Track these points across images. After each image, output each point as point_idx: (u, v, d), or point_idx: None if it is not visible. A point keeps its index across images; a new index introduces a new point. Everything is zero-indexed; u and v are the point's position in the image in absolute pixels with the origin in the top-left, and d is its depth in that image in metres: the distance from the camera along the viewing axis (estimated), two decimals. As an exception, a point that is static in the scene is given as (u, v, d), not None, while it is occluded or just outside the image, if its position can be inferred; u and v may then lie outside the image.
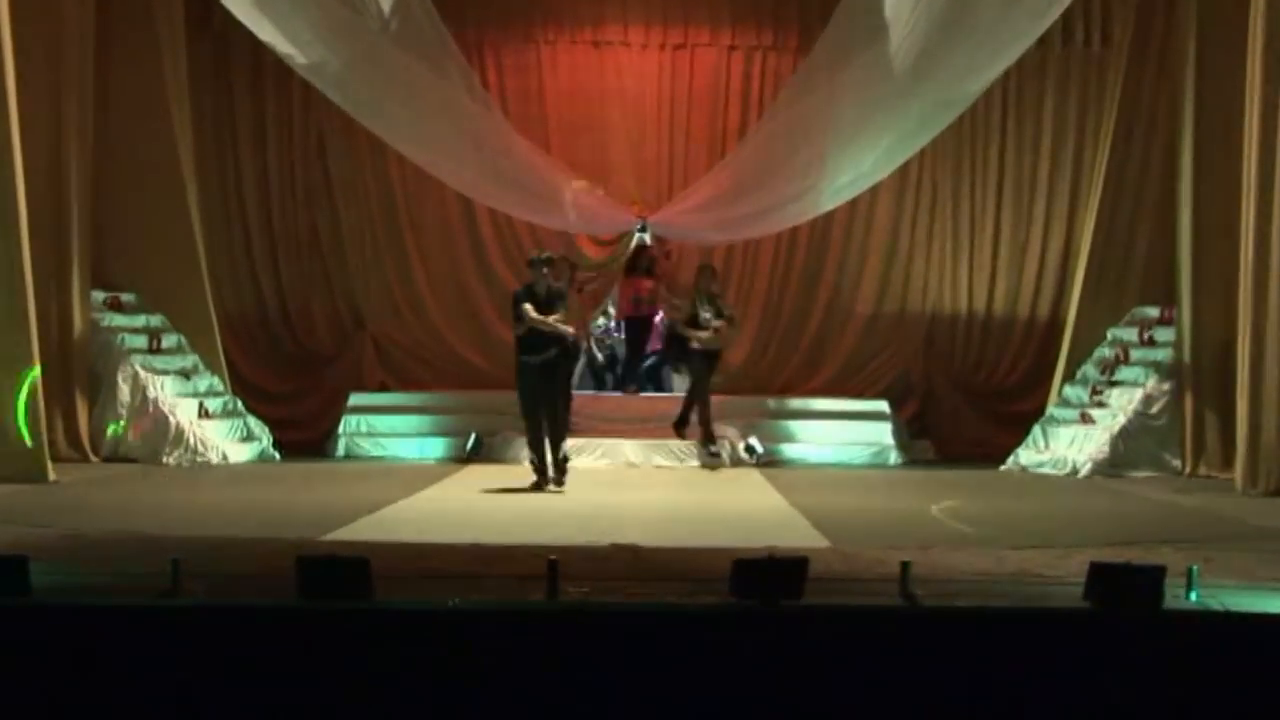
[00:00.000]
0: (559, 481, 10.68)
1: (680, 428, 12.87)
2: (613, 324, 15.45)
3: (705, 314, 12.73)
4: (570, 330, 10.83)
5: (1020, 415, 13.76)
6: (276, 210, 14.71)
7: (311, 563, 5.59)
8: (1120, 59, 13.55)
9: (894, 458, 13.49)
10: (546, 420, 10.66)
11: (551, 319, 10.56)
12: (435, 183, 13.87)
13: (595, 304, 14.76)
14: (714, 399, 14.02)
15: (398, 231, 14.81)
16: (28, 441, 10.72)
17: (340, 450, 13.45)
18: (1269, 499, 10.65)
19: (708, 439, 12.83)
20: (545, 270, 10.76)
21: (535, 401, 10.67)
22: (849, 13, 12.06)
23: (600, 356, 15.26)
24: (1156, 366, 13.00)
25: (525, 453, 11.32)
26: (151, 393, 12.59)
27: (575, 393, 14.35)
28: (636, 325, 14.53)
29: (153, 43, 12.98)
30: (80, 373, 12.49)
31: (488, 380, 14.44)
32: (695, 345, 12.68)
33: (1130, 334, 13.52)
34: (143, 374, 12.68)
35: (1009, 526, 9.02)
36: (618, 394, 14.46)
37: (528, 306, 10.53)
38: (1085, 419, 13.09)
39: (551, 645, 5.32)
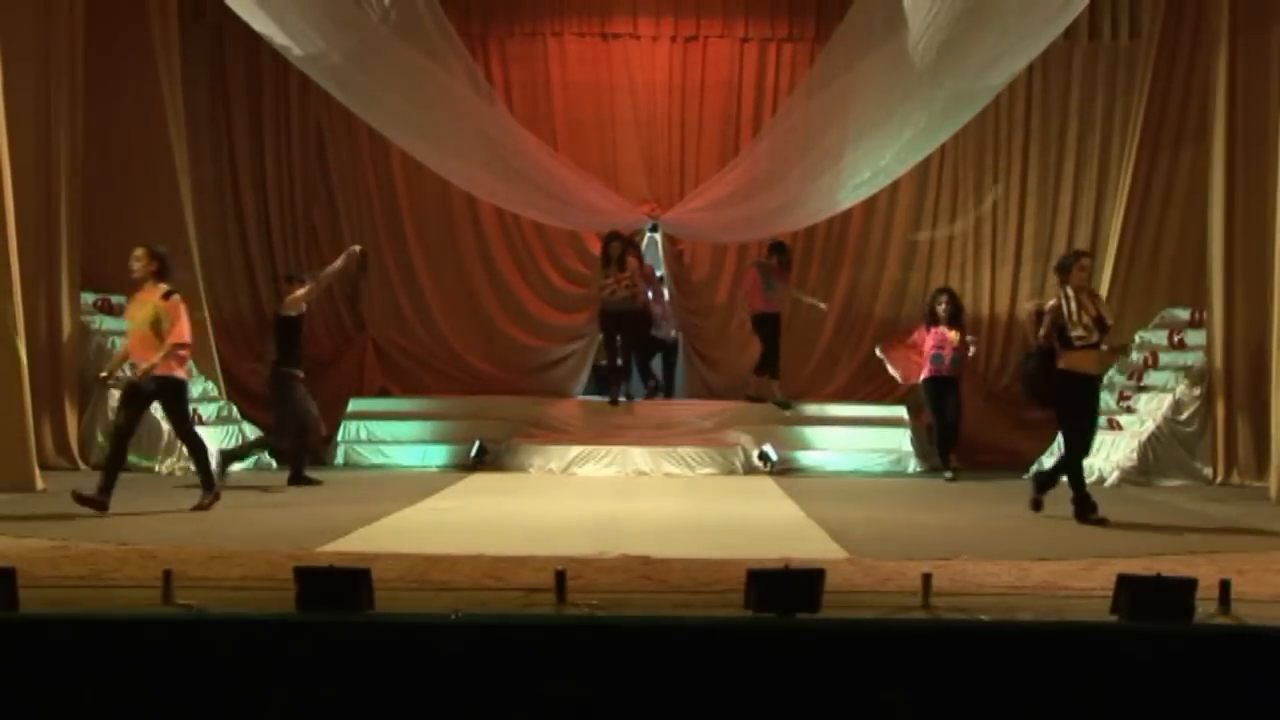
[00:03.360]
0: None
1: (1087, 511, 9.33)
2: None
3: (1081, 327, 9.14)
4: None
5: (1044, 421, 13.27)
6: (274, 209, 14.58)
7: (309, 573, 5.51)
8: (1149, 52, 13.38)
9: (913, 465, 13.24)
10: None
11: None
12: (439, 180, 13.78)
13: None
14: (725, 404, 13.77)
15: (400, 231, 14.66)
16: None
17: (339, 458, 13.22)
18: (1304, 509, 10.50)
19: (1082, 499, 9.40)
20: None
21: None
22: (867, 2, 11.92)
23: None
24: (1187, 371, 12.78)
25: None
26: (143, 398, 12.23)
27: (582, 397, 14.21)
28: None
29: (145, 34, 12.80)
30: (69, 377, 12.28)
31: (493, 385, 14.33)
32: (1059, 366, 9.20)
33: (1159, 337, 13.35)
34: (134, 378, 12.33)
35: (1033, 537, 8.83)
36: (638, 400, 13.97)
37: None
38: (1113, 425, 12.85)
39: (559, 659, 5.23)
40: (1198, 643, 5.37)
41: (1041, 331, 9.24)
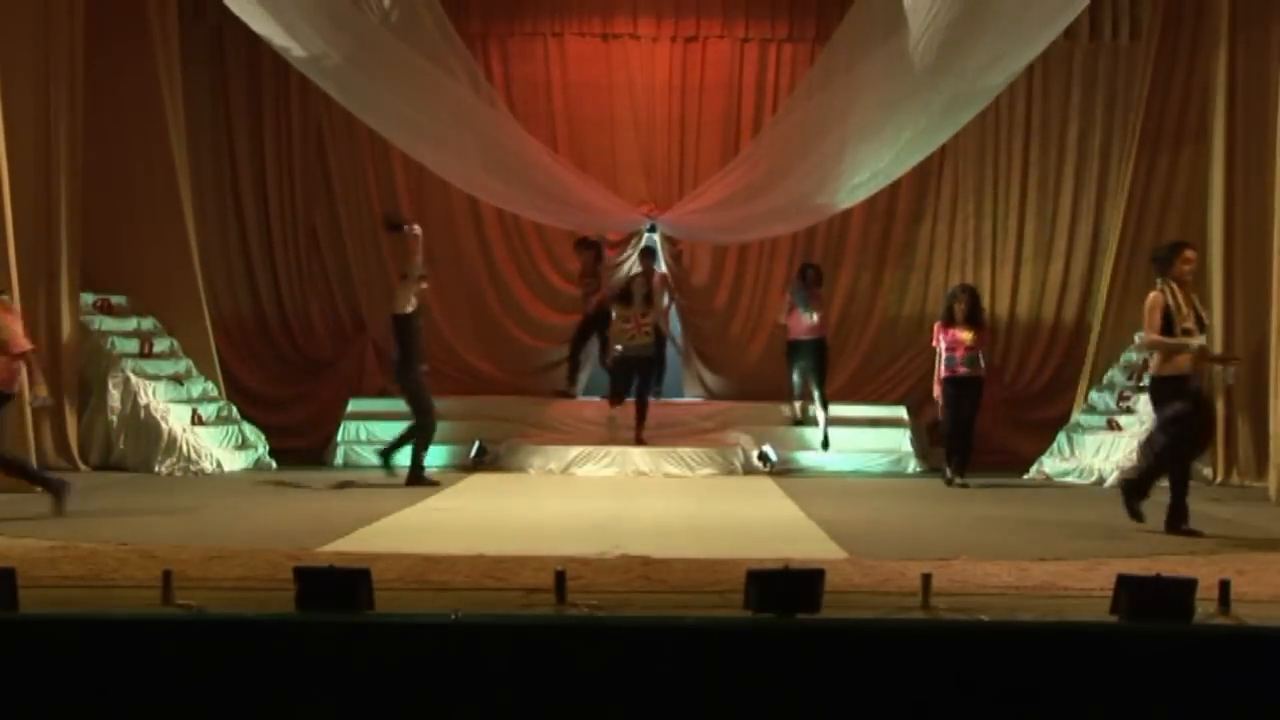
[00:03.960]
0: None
1: (1180, 522, 8.59)
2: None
3: (1187, 324, 8.32)
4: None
5: (1045, 422, 13.58)
6: (274, 209, 14.57)
7: (309, 574, 5.50)
8: (1149, 52, 13.36)
9: (913, 466, 13.19)
10: None
11: None
12: (440, 181, 13.73)
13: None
14: (724, 405, 13.72)
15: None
16: None
17: (339, 458, 13.15)
18: (1304, 509, 10.44)
19: (1179, 517, 8.63)
20: None
21: None
22: (867, 3, 11.90)
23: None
24: (1187, 371, 12.58)
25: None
26: (143, 399, 12.30)
27: (583, 398, 14.17)
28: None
29: (145, 34, 12.73)
30: (69, 378, 12.20)
31: (493, 385, 14.25)
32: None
33: (1159, 337, 13.11)
34: (134, 379, 12.38)
35: (1033, 537, 8.82)
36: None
37: None
38: (1112, 426, 12.80)
39: (558, 660, 5.20)
40: (1197, 643, 5.32)
41: (1147, 334, 8.49)
